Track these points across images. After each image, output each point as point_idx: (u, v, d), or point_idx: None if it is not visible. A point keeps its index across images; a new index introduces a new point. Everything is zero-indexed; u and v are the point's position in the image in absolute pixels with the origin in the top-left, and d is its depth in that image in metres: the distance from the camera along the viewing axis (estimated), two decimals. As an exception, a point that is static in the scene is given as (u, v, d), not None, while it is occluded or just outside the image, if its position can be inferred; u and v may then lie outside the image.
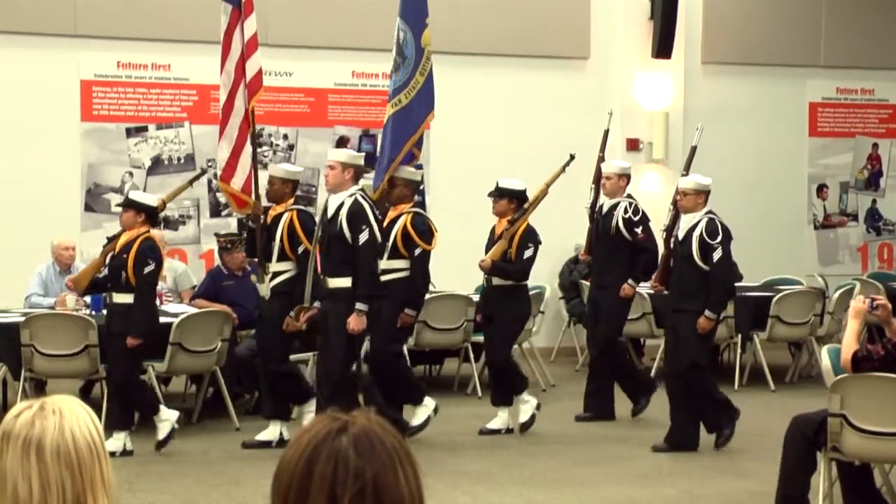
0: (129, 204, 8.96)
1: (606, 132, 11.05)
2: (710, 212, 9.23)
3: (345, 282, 8.52)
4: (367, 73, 13.76)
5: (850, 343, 6.49)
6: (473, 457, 8.96)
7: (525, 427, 9.69)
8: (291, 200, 9.26)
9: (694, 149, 10.29)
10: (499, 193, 9.87)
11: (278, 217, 9.14)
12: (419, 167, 10.00)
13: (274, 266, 9.13)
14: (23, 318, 9.49)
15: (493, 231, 9.96)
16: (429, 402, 9.42)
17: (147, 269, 8.78)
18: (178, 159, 13.09)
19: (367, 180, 10.27)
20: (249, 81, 9.36)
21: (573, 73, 14.39)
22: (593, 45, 14.47)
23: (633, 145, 14.41)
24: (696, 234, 9.04)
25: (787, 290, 12.44)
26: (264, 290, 9.18)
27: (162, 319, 9.65)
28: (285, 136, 13.52)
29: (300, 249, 9.01)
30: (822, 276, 14.07)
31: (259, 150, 13.11)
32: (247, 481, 8.10)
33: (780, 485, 6.82)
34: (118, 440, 8.70)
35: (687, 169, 10.01)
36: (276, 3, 13.10)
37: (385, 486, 1.89)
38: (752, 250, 14.40)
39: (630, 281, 10.18)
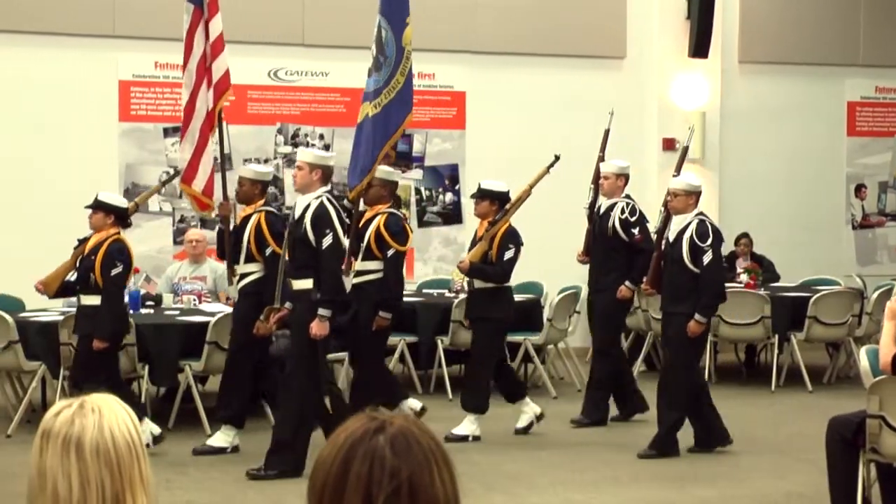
0: (97, 205, 8.80)
1: (607, 131, 10.89)
2: (700, 213, 9.07)
3: (307, 284, 8.24)
4: (403, 73, 13.75)
5: (888, 345, 6.43)
6: (510, 457, 8.95)
7: (520, 431, 9.60)
8: (261, 201, 9.14)
9: (686, 149, 10.17)
10: (480, 195, 9.75)
11: (247, 218, 9.07)
12: (420, 165, 9.89)
13: (242, 267, 9.04)
14: (61, 317, 9.56)
15: (475, 233, 9.88)
16: (412, 402, 9.38)
17: (115, 271, 8.63)
18: (215, 159, 13.12)
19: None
20: (217, 82, 9.26)
21: (609, 72, 14.35)
22: (629, 44, 14.43)
23: (669, 145, 14.36)
24: (686, 236, 8.90)
25: (824, 290, 12.37)
26: (233, 291, 9.12)
27: (198, 319, 9.68)
28: (321, 136, 13.55)
29: (268, 251, 8.90)
30: (860, 277, 13.97)
31: (294, 149, 13.23)
32: (282, 480, 8.11)
33: (832, 494, 6.71)
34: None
35: (678, 169, 9.87)
36: (311, 3, 13.15)
37: (421, 487, 1.88)
38: (789, 250, 14.37)
39: (627, 283, 9.98)
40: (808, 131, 15.13)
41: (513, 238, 9.55)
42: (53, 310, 10.06)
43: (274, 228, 8.96)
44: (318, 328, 8.11)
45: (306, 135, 13.45)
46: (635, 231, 9.99)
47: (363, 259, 9.32)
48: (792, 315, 11.97)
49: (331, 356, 10.42)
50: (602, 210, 10.20)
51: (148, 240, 12.87)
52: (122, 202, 8.97)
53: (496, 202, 9.60)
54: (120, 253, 8.70)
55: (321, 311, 8.11)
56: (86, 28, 12.68)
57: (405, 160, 13.80)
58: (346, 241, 8.46)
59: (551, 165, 9.98)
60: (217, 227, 9.49)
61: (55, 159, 12.40)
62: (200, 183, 9.27)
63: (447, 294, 11.99)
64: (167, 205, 13.14)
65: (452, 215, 13.96)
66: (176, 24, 12.89)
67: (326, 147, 13.51)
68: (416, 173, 13.81)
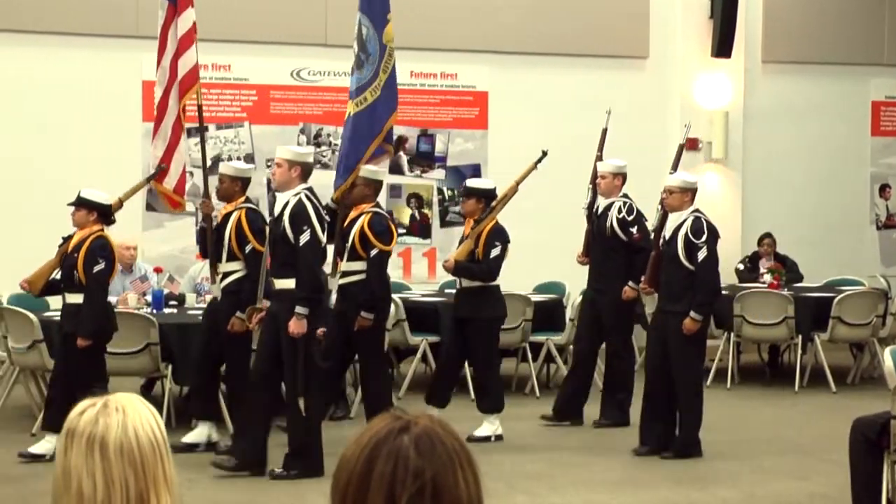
0: (80, 202, 8.72)
1: (605, 130, 10.83)
2: (696, 210, 9.00)
3: (289, 283, 8.13)
4: (426, 72, 13.78)
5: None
6: (532, 457, 8.94)
7: (474, 439, 9.20)
8: (242, 199, 9.09)
9: (682, 147, 10.08)
10: (466, 193, 9.69)
11: (228, 216, 9.02)
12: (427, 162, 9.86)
13: (224, 266, 9.00)
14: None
15: (463, 232, 9.81)
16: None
17: (97, 269, 8.55)
18: (238, 159, 13.16)
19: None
20: (182, 78, 9.21)
21: (632, 72, 14.32)
22: (652, 44, 14.41)
23: (692, 145, 14.31)
24: (681, 233, 8.84)
25: (848, 290, 12.33)
26: (216, 290, 9.06)
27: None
28: (344, 137, 13.54)
29: (248, 249, 8.86)
30: (884, 277, 13.92)
31: (318, 150, 13.27)
32: (306, 479, 8.12)
33: (855, 495, 6.68)
34: (49, 443, 8.39)
35: (675, 167, 9.81)
36: (334, 3, 13.15)
37: (444, 487, 1.88)
38: (813, 250, 14.32)
39: (630, 284, 9.91)
40: (831, 131, 15.07)
41: (499, 235, 9.48)
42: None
43: (254, 225, 8.90)
44: (295, 326, 7.99)
45: (329, 135, 13.47)
46: (633, 230, 9.92)
47: (348, 259, 9.21)
48: (816, 315, 11.92)
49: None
50: (600, 210, 10.13)
51: (171, 240, 12.92)
52: (105, 199, 8.82)
53: (482, 200, 9.53)
54: (102, 250, 8.61)
55: (298, 309, 8.00)
56: (109, 28, 12.73)
57: (427, 160, 13.82)
58: (324, 238, 8.33)
59: (538, 161, 9.98)
60: (199, 226, 9.37)
61: (79, 160, 12.42)
62: (172, 181, 9.22)
63: (469, 294, 11.95)
64: (190, 205, 13.16)
65: (475, 215, 13.93)
66: (201, 24, 12.95)
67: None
68: (439, 173, 13.81)
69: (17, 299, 10.14)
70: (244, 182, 9.18)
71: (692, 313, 8.73)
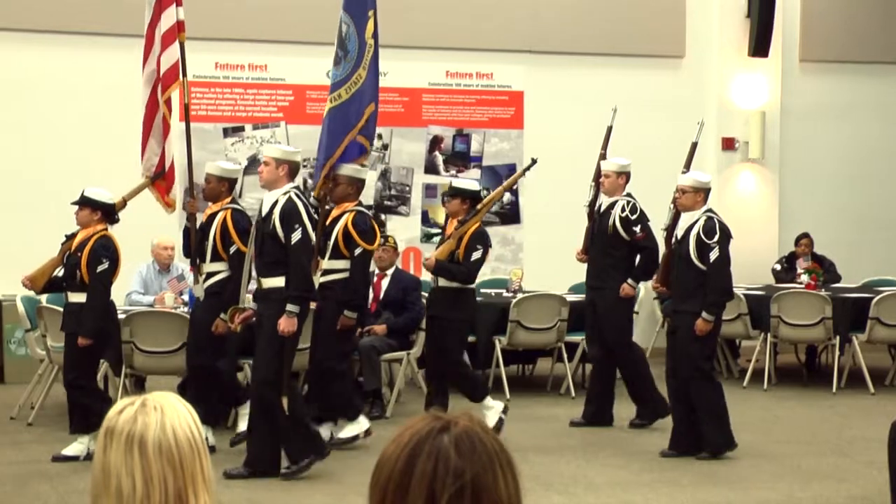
0: (84, 202, 8.73)
1: (609, 129, 10.78)
2: (709, 210, 8.96)
3: (278, 282, 8.08)
4: (461, 72, 13.78)
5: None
6: (568, 458, 8.92)
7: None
8: (228, 199, 9.06)
9: (695, 145, 10.00)
10: (451, 193, 9.64)
11: (213, 216, 8.98)
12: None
13: (208, 266, 8.96)
14: (123, 316, 9.65)
15: (443, 231, 9.77)
16: (363, 421, 9.14)
17: (100, 268, 8.57)
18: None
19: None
20: (164, 74, 9.18)
21: (668, 72, 14.28)
22: (689, 43, 14.35)
23: (728, 144, 14.27)
24: (693, 233, 8.79)
25: (887, 291, 12.24)
26: (199, 290, 9.02)
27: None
28: (380, 136, 13.56)
29: (232, 250, 8.82)
30: (923, 278, 13.81)
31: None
32: (343, 477, 8.15)
33: (893, 498, 6.62)
34: (81, 444, 8.48)
35: (687, 166, 9.73)
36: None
37: (484, 488, 1.88)
38: (851, 251, 14.23)
39: (630, 281, 9.90)
40: (869, 130, 14.96)
41: (481, 239, 9.47)
42: (116, 309, 10.14)
43: (239, 226, 8.86)
44: (286, 324, 7.97)
45: (364, 135, 13.47)
46: (636, 229, 9.87)
47: (330, 258, 9.10)
48: (853, 316, 11.85)
49: (388, 356, 10.48)
50: (602, 208, 10.09)
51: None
52: (109, 198, 8.84)
53: (467, 201, 9.51)
54: (105, 249, 8.63)
55: (289, 307, 7.98)
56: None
57: (462, 160, 13.81)
58: (314, 237, 8.36)
59: (528, 168, 9.99)
60: (183, 226, 9.34)
61: (117, 160, 12.43)
62: (167, 182, 9.29)
63: (505, 294, 11.97)
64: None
65: (510, 215, 13.94)
66: (238, 24, 13.05)
67: (385, 147, 13.54)
68: (474, 173, 13.80)
69: (56, 298, 10.20)
70: (231, 183, 9.16)
71: (703, 314, 8.69)
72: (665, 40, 14.25)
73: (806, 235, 13.55)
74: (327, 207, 9.23)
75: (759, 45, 14.03)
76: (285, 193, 8.16)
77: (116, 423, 2.39)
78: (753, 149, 14.25)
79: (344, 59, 9.38)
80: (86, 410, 8.58)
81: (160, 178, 9.36)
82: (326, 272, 9.04)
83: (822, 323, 11.73)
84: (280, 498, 7.74)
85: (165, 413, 2.40)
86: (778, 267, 13.56)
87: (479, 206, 9.51)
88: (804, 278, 12.55)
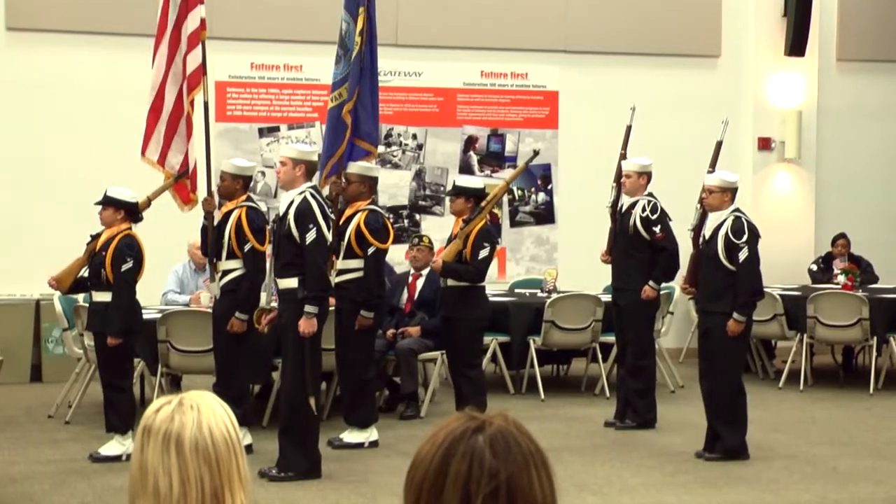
0: (107, 201, 8.76)
1: (629, 128, 10.71)
2: (736, 210, 8.90)
3: (293, 283, 8.08)
4: (496, 72, 13.77)
5: None
6: (602, 457, 8.90)
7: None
8: (244, 197, 9.07)
9: (719, 144, 9.93)
10: (455, 192, 9.57)
11: (228, 214, 8.98)
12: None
13: (224, 264, 8.96)
14: (159, 315, 9.71)
15: (451, 231, 9.71)
16: (372, 433, 9.12)
17: (125, 267, 8.61)
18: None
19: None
20: (190, 74, 9.15)
21: (704, 71, 14.22)
22: (725, 43, 14.29)
23: (764, 144, 14.20)
24: (721, 233, 8.74)
25: (924, 291, 12.15)
26: (215, 288, 8.99)
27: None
28: (414, 136, 13.60)
29: (247, 248, 8.83)
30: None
31: (388, 149, 13.31)
32: (377, 478, 8.16)
33: None
34: (121, 444, 8.49)
35: (713, 165, 9.68)
36: (405, 3, 13.20)
37: (519, 489, 1.88)
38: (888, 251, 14.14)
39: (651, 283, 9.85)
40: (907, 130, 14.85)
41: (487, 236, 9.44)
42: (152, 308, 10.21)
43: (254, 224, 8.89)
44: (306, 325, 7.97)
45: (399, 134, 13.51)
46: (656, 229, 9.84)
47: (344, 258, 9.07)
48: (891, 316, 11.79)
49: (422, 356, 10.49)
50: (624, 208, 10.07)
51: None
52: (132, 197, 8.88)
53: (472, 199, 9.47)
54: (130, 248, 8.66)
55: (308, 308, 7.98)
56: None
57: (497, 160, 13.81)
58: (330, 236, 8.35)
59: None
60: (201, 224, 9.28)
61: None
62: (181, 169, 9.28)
63: (539, 294, 11.96)
64: (262, 204, 13.27)
65: (545, 215, 13.93)
66: (273, 25, 13.08)
67: (419, 147, 13.56)
68: (509, 173, 13.78)
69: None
70: (246, 180, 9.18)
71: (735, 315, 8.65)
72: (701, 40, 14.20)
73: (843, 236, 13.47)
74: (339, 207, 9.24)
75: (796, 44, 13.96)
76: (301, 193, 8.16)
77: (154, 422, 2.40)
78: (790, 149, 14.18)
79: (343, 57, 9.40)
80: (119, 409, 8.64)
81: (184, 178, 9.38)
82: (341, 272, 9.02)
83: (859, 324, 11.66)
84: (313, 498, 7.76)
85: (202, 412, 2.41)
86: (814, 267, 13.49)
87: (483, 204, 9.46)
88: (841, 279, 12.48)
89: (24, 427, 9.85)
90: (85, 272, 8.93)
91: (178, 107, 9.30)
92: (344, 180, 9.27)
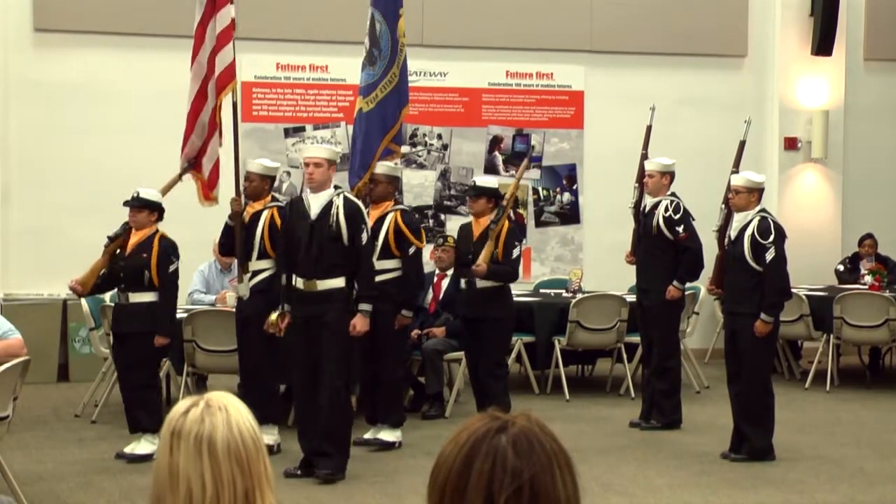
0: (145, 204, 8.77)
1: (649, 128, 10.72)
2: (762, 210, 8.86)
3: (339, 283, 8.05)
4: (521, 72, 13.77)
5: None
6: (627, 458, 8.89)
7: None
8: (270, 197, 9.10)
9: (742, 143, 9.90)
10: (477, 193, 9.50)
11: (257, 214, 8.97)
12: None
13: (255, 264, 8.97)
14: (185, 315, 9.74)
15: (465, 232, 9.58)
16: (399, 435, 9.11)
17: (171, 268, 8.67)
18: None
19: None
20: (219, 75, 9.12)
21: (730, 71, 14.18)
22: (751, 42, 14.25)
23: (790, 144, 14.14)
24: (747, 233, 8.69)
25: (952, 292, 12.08)
26: (244, 289, 8.94)
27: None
28: (439, 136, 13.60)
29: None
30: None
31: (413, 149, 13.32)
32: (401, 478, 8.17)
33: None
34: (152, 443, 8.45)
35: (736, 165, 9.64)
36: (430, 4, 13.21)
37: (542, 489, 1.88)
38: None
39: (675, 283, 9.81)
40: (935, 130, 14.77)
41: (516, 235, 9.51)
42: (178, 308, 10.24)
43: None
44: (362, 324, 8.06)
45: (424, 134, 13.52)
46: (679, 229, 9.81)
47: (380, 258, 8.99)
48: (918, 318, 11.72)
49: (447, 356, 10.50)
50: (647, 209, 10.05)
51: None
52: (158, 197, 8.91)
53: (493, 199, 9.47)
54: (173, 250, 8.76)
55: (364, 307, 8.04)
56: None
57: (521, 160, 13.78)
58: None
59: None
60: (224, 224, 9.22)
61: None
62: (205, 174, 9.20)
63: (564, 294, 11.95)
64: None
65: (570, 215, 13.92)
66: (299, 25, 13.12)
67: (444, 147, 13.57)
68: (534, 173, 13.79)
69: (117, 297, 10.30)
70: (272, 180, 9.23)
71: (763, 315, 8.61)
72: (727, 39, 14.16)
73: (870, 236, 13.41)
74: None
75: (823, 43, 13.90)
76: (338, 194, 8.17)
77: (183, 425, 2.38)
78: (816, 149, 14.12)
79: (378, 57, 9.39)
80: (152, 408, 8.67)
81: (192, 171, 9.38)
82: (379, 272, 8.96)
83: (886, 324, 11.61)
84: (338, 498, 7.77)
85: (230, 413, 2.40)
86: (841, 268, 13.43)
87: (503, 203, 9.47)
88: (868, 279, 12.42)
89: (51, 426, 9.91)
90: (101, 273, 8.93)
91: (198, 103, 9.26)
92: (370, 181, 9.28)
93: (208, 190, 9.33)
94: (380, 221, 9.14)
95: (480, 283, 9.35)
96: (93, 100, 12.73)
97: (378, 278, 8.87)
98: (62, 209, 12.57)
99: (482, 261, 9.24)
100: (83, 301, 10.43)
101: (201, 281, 10.95)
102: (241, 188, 9.19)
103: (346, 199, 8.16)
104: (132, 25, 12.76)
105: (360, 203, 8.29)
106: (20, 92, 12.56)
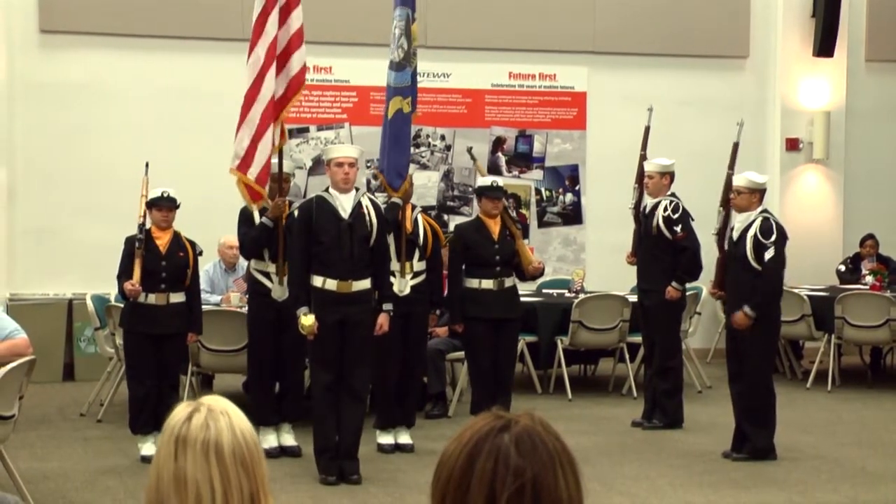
0: (177, 204, 8.82)
1: (647, 129, 10.78)
2: (764, 210, 8.88)
3: (368, 283, 8.10)
4: (524, 73, 13.80)
5: None
6: (629, 458, 8.93)
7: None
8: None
9: (736, 145, 9.93)
10: (504, 193, 9.52)
11: (290, 216, 8.83)
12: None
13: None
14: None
15: (473, 233, 9.36)
16: (408, 437, 9.11)
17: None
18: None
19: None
20: (292, 78, 8.96)
21: (732, 72, 14.22)
22: (753, 43, 14.28)
23: (792, 145, 14.17)
24: (750, 233, 8.70)
25: (953, 293, 12.11)
26: (280, 291, 8.78)
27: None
28: (442, 137, 13.65)
29: None
30: None
31: (416, 150, 13.35)
32: (405, 477, 8.21)
33: None
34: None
35: (731, 167, 9.67)
36: (434, 5, 13.23)
37: (544, 487, 1.90)
38: (917, 252, 14.08)
39: (674, 283, 9.85)
40: (937, 131, 14.80)
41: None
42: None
43: None
44: (388, 324, 8.20)
45: (427, 135, 13.56)
46: (677, 229, 9.85)
47: (419, 259, 9.11)
48: (919, 318, 11.75)
49: (450, 356, 10.54)
50: (647, 209, 10.09)
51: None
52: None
53: (510, 199, 9.61)
54: (195, 249, 8.88)
55: (387, 306, 8.20)
56: (217, 32, 12.87)
57: (525, 161, 13.85)
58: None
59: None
60: (259, 224, 8.92)
61: (184, 161, 12.47)
62: (255, 172, 8.77)
63: (567, 294, 11.99)
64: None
65: (572, 216, 13.96)
66: (316, 27, 13.11)
67: (448, 148, 13.61)
68: (537, 174, 13.84)
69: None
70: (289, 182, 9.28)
71: (746, 308, 8.61)
72: (729, 41, 14.19)
73: (871, 236, 13.44)
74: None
75: (824, 44, 13.93)
76: (363, 194, 8.31)
77: (188, 431, 2.37)
78: (818, 149, 14.15)
79: (409, 64, 9.36)
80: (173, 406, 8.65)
81: (238, 167, 9.27)
82: (416, 274, 9.06)
83: (887, 324, 11.64)
84: (342, 497, 7.81)
85: (232, 417, 2.40)
86: (842, 268, 13.46)
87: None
88: (869, 279, 12.46)
89: (57, 425, 9.95)
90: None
91: (251, 97, 8.88)
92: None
93: (256, 187, 8.82)
94: (415, 223, 9.19)
95: (509, 283, 9.33)
96: (98, 101, 12.78)
97: (416, 280, 9.00)
98: (68, 209, 12.62)
99: (535, 263, 9.42)
100: (88, 301, 10.49)
101: (206, 281, 10.97)
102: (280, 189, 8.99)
103: (371, 199, 8.29)
104: (138, 27, 12.81)
105: (380, 203, 8.41)
106: (26, 93, 12.60)
